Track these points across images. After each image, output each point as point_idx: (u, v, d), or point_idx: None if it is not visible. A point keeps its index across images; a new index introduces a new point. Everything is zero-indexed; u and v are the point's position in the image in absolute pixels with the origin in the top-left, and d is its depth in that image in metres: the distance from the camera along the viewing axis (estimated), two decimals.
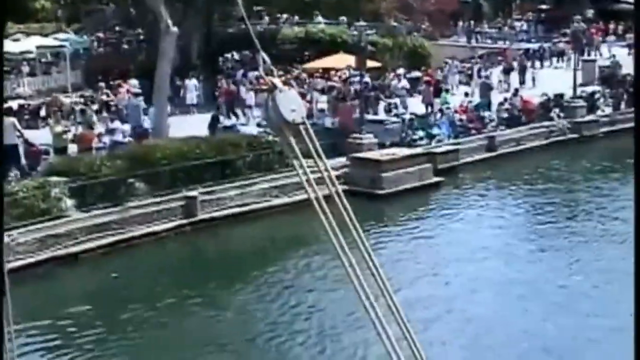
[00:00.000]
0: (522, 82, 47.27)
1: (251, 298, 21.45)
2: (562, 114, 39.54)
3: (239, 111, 39.39)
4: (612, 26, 62.22)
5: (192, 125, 33.44)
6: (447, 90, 42.73)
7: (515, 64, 50.08)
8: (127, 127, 32.08)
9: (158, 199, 26.11)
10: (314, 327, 19.55)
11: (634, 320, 6.77)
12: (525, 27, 67.77)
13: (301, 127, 4.42)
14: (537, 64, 53.41)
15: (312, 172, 4.46)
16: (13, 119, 28.56)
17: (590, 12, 57.80)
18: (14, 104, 36.17)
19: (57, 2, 62.16)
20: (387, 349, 4.36)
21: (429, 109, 39.45)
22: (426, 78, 45.15)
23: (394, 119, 36.06)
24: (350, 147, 31.35)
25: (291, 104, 4.40)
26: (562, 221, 27.93)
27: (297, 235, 26.45)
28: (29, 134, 30.12)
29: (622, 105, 42.60)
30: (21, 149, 28.08)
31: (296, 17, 56.78)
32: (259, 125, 34.02)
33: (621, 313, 19.65)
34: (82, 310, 20.66)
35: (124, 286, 22.35)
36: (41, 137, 31.30)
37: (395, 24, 57.65)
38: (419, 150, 32.77)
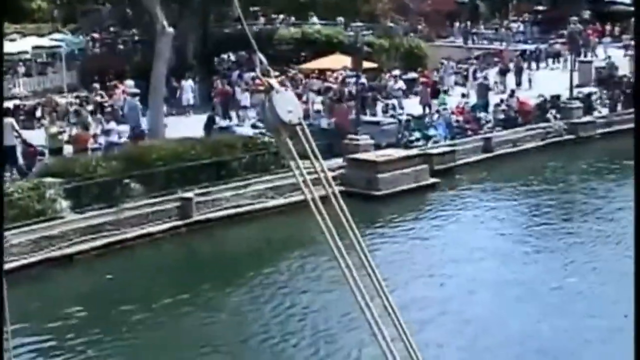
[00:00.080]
0: (518, 84, 47.25)
1: (246, 299, 21.37)
2: (558, 115, 39.52)
3: (233, 112, 39.27)
4: (608, 27, 62.26)
5: (188, 126, 33.39)
6: (445, 91, 42.69)
7: (511, 65, 50.08)
8: (122, 128, 31.99)
9: (153, 200, 26.04)
10: (309, 328, 19.50)
11: (634, 320, 6.70)
12: (522, 28, 67.79)
13: (298, 128, 4.41)
14: (533, 65, 53.39)
15: (309, 173, 4.45)
16: (11, 120, 28.52)
17: (587, 14, 57.77)
18: (9, 104, 36.10)
19: (54, 2, 62.10)
20: (383, 350, 4.35)
21: (427, 110, 39.40)
22: (422, 79, 45.17)
23: (390, 120, 35.99)
24: (347, 148, 31.29)
25: (288, 104, 4.39)
26: (558, 222, 27.91)
27: (292, 237, 26.41)
28: (25, 135, 30.02)
29: (619, 107, 42.59)
30: (19, 150, 28.03)
31: (292, 18, 56.71)
32: (253, 126, 33.97)
33: (617, 314, 19.65)
34: (77, 311, 20.57)
35: (119, 288, 22.27)
36: (36, 137, 31.20)
37: (391, 24, 57.61)
38: (415, 151, 32.72)
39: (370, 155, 31.00)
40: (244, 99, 39.86)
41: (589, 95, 42.73)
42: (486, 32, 68.10)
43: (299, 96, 35.06)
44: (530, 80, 48.04)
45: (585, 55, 53.16)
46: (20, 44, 51.25)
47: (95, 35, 56.03)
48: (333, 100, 37.81)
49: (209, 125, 33.85)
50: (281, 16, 57.41)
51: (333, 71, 44.47)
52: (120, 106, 36.49)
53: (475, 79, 47.01)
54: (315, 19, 55.26)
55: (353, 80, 38.04)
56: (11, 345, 5.29)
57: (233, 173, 28.31)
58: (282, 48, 48.83)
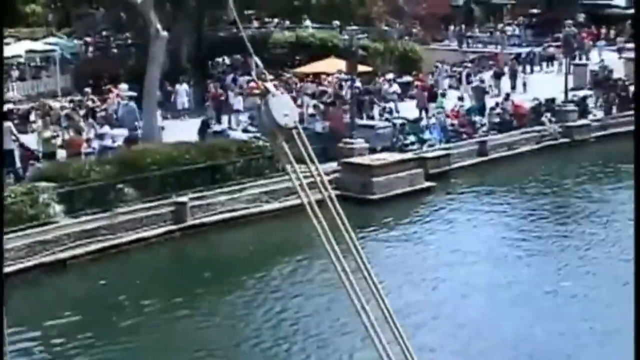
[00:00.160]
0: (513, 87, 47.24)
1: (240, 304, 21.32)
2: (553, 119, 39.51)
3: (225, 116, 39.11)
4: (603, 30, 62.30)
5: (183, 130, 33.35)
6: (443, 95, 42.65)
7: (506, 68, 50.05)
8: (116, 132, 31.90)
9: (147, 205, 25.96)
10: (302, 332, 19.47)
11: (634, 320, 6.66)
12: (517, 31, 67.81)
13: (293, 131, 4.41)
14: (528, 68, 53.38)
15: (305, 176, 4.44)
16: (9, 123, 28.45)
17: (581, 17, 57.82)
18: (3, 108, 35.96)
19: (48, 6, 62.03)
20: (380, 354, 4.34)
21: (423, 114, 39.34)
22: (418, 83, 45.17)
23: (385, 123, 35.93)
24: (341, 152, 31.25)
25: (284, 108, 4.40)
26: (552, 226, 27.88)
27: (287, 241, 26.37)
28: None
29: (614, 110, 42.60)
30: (16, 153, 27.96)
31: (287, 22, 56.68)
32: (245, 130, 33.92)
33: (611, 317, 19.68)
34: (70, 316, 20.53)
35: (113, 292, 22.19)
36: (29, 142, 31.09)
37: (386, 28, 57.62)
38: (410, 155, 32.67)
39: (365, 159, 30.96)
40: (237, 102, 39.81)
41: (584, 98, 42.73)
42: (481, 36, 68.15)
43: (294, 100, 34.91)
44: (524, 84, 48.04)
45: (580, 59, 53.18)
46: (14, 48, 51.07)
47: (89, 39, 55.92)
48: (327, 104, 37.77)
49: (204, 129, 33.78)
50: (275, 20, 57.37)
51: (328, 75, 44.42)
52: (115, 110, 36.40)
53: (468, 82, 47.00)
54: (308, 22, 55.21)
55: (348, 84, 37.98)
56: (7, 350, 5.23)
57: (228, 177, 28.23)
58: (276, 52, 48.78)
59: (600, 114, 42.41)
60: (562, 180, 34.28)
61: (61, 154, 30.03)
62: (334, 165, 30.11)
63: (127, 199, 26.05)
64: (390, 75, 46.78)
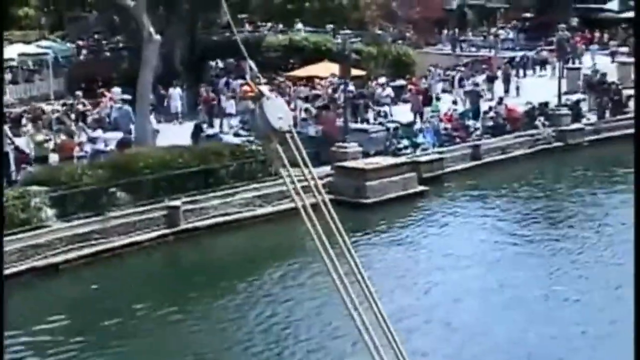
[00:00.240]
0: (506, 91, 47.22)
1: (233, 308, 21.29)
2: (547, 123, 39.50)
3: (217, 120, 38.98)
4: (597, 34, 62.39)
5: (177, 134, 33.31)
6: (438, 98, 42.64)
7: (499, 72, 50.05)
8: (109, 135, 31.82)
9: (140, 209, 25.90)
10: (294, 336, 19.49)
11: (634, 320, 6.64)
12: (510, 35, 67.89)
13: (287, 135, 4.41)
14: (521, 72, 53.38)
15: (299, 180, 4.45)
16: (5, 127, 28.37)
17: (574, 21, 57.92)
18: None
19: (41, 9, 61.93)
20: (373, 358, 4.33)
21: (418, 118, 39.30)
22: (410, 86, 45.18)
23: (379, 127, 35.88)
24: (335, 156, 31.20)
25: (278, 111, 4.40)
26: (546, 230, 27.89)
27: (280, 245, 26.36)
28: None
29: (607, 114, 42.61)
30: (11, 156, 27.88)
31: (280, 25, 56.67)
32: (236, 134, 33.85)
33: (603, 321, 19.71)
34: (62, 321, 20.49)
35: (106, 297, 22.15)
36: (22, 145, 30.98)
37: (379, 32, 57.64)
38: (403, 159, 32.65)
39: (359, 163, 30.92)
40: (230, 106, 39.73)
41: (577, 102, 42.72)
42: (474, 40, 68.24)
43: (287, 103, 34.84)
44: (517, 88, 48.02)
45: (573, 62, 53.23)
46: (6, 51, 50.92)
47: (82, 42, 55.85)
48: (321, 108, 37.72)
49: (197, 133, 33.72)
50: (269, 24, 57.35)
51: (321, 78, 44.37)
52: (107, 114, 36.31)
53: (460, 86, 47.01)
54: (300, 26, 55.17)
55: (341, 87, 37.94)
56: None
57: (221, 181, 28.17)
58: (270, 55, 48.70)
59: (593, 118, 42.42)
60: (556, 184, 34.30)
61: (53, 157, 29.93)
62: (327, 169, 30.06)
63: (119, 203, 25.98)
64: (382, 79, 46.76)
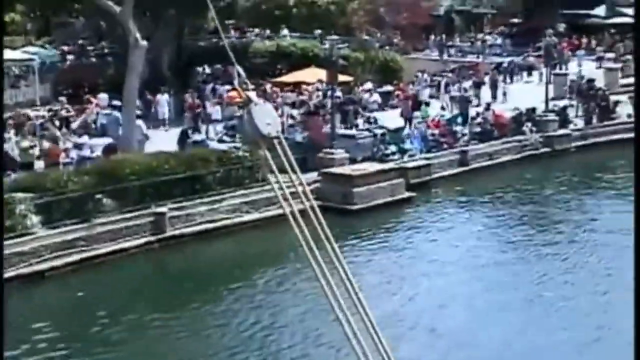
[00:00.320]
0: (493, 97, 47.20)
1: (220, 315, 21.26)
2: (534, 128, 39.54)
3: (203, 126, 38.78)
4: (584, 40, 62.54)
5: (164, 140, 33.18)
6: (427, 104, 42.63)
7: (486, 78, 50.08)
8: (95, 142, 31.63)
9: (126, 215, 25.78)
10: (280, 342, 19.53)
11: (634, 320, 6.58)
12: (499, 41, 67.98)
13: (275, 141, 4.40)
14: (508, 78, 53.44)
15: (287, 186, 4.44)
16: None
17: (561, 27, 58.01)
18: None
19: (27, 14, 61.60)
20: None
21: (407, 124, 39.23)
22: (398, 92, 45.16)
23: (366, 133, 35.81)
24: (322, 162, 31.11)
25: (266, 117, 4.39)
26: (533, 236, 27.90)
27: (267, 251, 26.29)
28: None
29: (594, 120, 42.69)
30: None
31: (267, 31, 56.58)
32: (220, 140, 33.72)
33: (590, 327, 19.71)
34: (48, 328, 20.33)
35: (92, 304, 22.01)
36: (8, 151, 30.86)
37: (367, 37, 57.62)
38: (391, 165, 32.58)
39: (346, 169, 30.85)
40: (215, 112, 39.60)
41: (565, 108, 42.79)
42: (461, 45, 68.29)
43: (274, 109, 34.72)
44: (505, 93, 48.05)
45: (560, 68, 53.31)
46: None
47: (69, 48, 55.59)
48: (307, 114, 37.65)
49: (183, 139, 33.59)
50: (256, 30, 57.26)
51: (308, 84, 44.31)
52: (94, 120, 36.13)
53: (447, 91, 47.04)
54: (286, 32, 55.12)
55: (328, 93, 37.87)
56: None
57: (207, 187, 28.07)
58: (257, 61, 48.63)
59: (580, 124, 42.48)
60: (543, 190, 34.31)
61: (39, 164, 29.77)
62: (314, 175, 29.96)
63: (105, 209, 25.84)
64: (368, 85, 46.75)
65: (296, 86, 44.83)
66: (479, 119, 39.26)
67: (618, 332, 19.07)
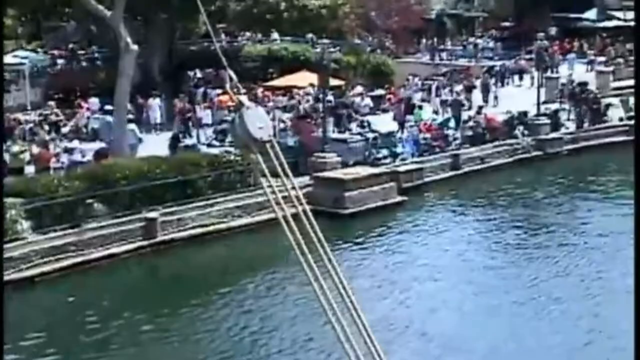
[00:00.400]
0: (485, 100, 47.19)
1: (211, 319, 21.20)
2: (526, 132, 39.54)
3: (193, 131, 38.69)
4: (576, 44, 62.60)
5: (156, 145, 33.11)
6: (420, 107, 42.59)
7: (478, 82, 50.06)
8: (85, 146, 31.55)
9: (117, 220, 25.71)
10: (270, 346, 19.50)
11: (634, 320, 6.55)
12: (491, 44, 68.00)
13: (267, 145, 4.38)
14: (499, 81, 53.45)
15: (279, 190, 4.42)
16: None
17: (553, 30, 58.00)
18: None
19: (18, 19, 61.45)
20: None
21: (401, 127, 39.16)
22: (389, 96, 45.13)
23: (358, 137, 35.75)
24: (313, 166, 31.06)
25: (259, 121, 4.36)
26: (525, 239, 27.89)
27: (258, 256, 26.23)
28: None
29: (586, 123, 42.71)
30: None
31: (259, 35, 56.54)
32: (209, 145, 33.64)
33: (581, 330, 19.71)
34: (39, 333, 20.26)
35: (82, 309, 21.93)
36: None
37: (358, 41, 57.59)
38: (383, 169, 32.54)
39: (338, 173, 30.79)
40: (206, 116, 39.51)
41: (556, 111, 42.80)
42: (453, 49, 68.31)
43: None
44: (496, 97, 48.06)
45: (552, 72, 53.33)
46: None
47: (60, 52, 55.48)
48: (298, 118, 37.60)
49: (174, 143, 33.53)
50: (247, 34, 57.19)
51: (299, 88, 44.25)
52: (85, 124, 36.05)
53: (438, 95, 47.01)
54: (276, 35, 55.05)
55: (320, 97, 37.83)
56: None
57: (199, 192, 27.99)
58: (248, 65, 48.57)
59: (572, 127, 42.49)
60: (535, 193, 34.28)
61: (29, 169, 29.66)
62: (305, 179, 29.88)
63: (96, 214, 25.78)
64: (358, 89, 46.70)
65: (288, 90, 44.77)
66: (470, 123, 39.22)
67: (609, 336, 19.10)
